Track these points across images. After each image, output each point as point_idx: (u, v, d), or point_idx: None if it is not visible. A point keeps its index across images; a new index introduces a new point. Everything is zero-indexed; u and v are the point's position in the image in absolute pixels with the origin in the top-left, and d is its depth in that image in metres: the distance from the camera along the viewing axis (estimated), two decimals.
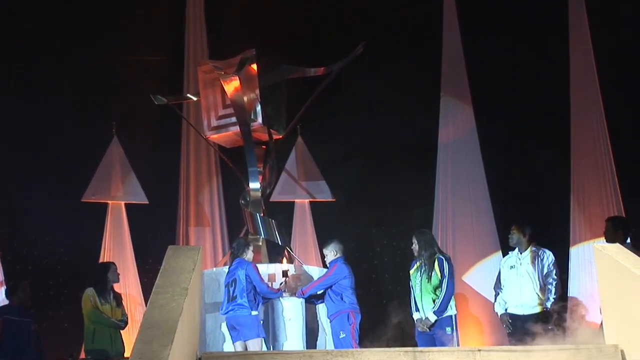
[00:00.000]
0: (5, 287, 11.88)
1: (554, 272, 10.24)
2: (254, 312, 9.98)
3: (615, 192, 12.96)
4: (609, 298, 8.19)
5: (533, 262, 10.22)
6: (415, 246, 10.34)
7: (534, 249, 10.32)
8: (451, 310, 10.15)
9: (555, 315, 9.93)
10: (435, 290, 10.08)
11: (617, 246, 8.57)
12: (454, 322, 10.19)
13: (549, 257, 10.29)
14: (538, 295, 10.19)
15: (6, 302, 11.25)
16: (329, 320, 10.48)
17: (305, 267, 11.39)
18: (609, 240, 10.24)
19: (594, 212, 12.93)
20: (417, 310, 10.23)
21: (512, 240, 10.43)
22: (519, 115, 13.60)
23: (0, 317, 10.88)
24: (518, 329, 10.11)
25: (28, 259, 12.38)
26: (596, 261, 8.49)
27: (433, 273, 10.09)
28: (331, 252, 10.60)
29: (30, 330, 10.86)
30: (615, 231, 10.33)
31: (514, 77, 13.48)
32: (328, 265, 10.67)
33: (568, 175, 13.30)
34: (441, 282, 10.05)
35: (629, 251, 8.55)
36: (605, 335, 8.18)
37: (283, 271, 10.67)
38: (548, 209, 13.36)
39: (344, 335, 10.18)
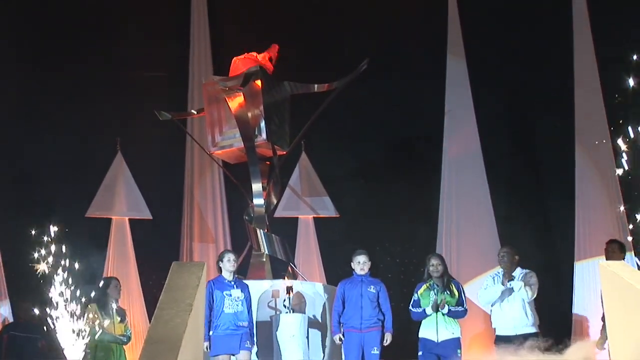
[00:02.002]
0: (9, 303, 11.90)
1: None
2: None
3: (619, 211, 12.99)
4: (615, 315, 8.18)
5: (524, 284, 10.22)
6: (439, 267, 10.26)
7: (524, 270, 10.33)
8: (458, 333, 10.15)
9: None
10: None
11: (622, 263, 8.59)
12: (460, 344, 10.21)
13: (535, 278, 10.33)
14: (532, 315, 10.19)
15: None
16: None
17: (308, 283, 11.39)
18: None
19: (598, 229, 12.92)
20: (429, 328, 10.14)
21: (504, 261, 10.41)
22: (522, 133, 13.59)
23: (5, 334, 10.91)
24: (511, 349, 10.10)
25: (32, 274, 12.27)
26: (601, 278, 8.49)
27: (449, 293, 10.08)
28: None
29: (36, 346, 10.83)
30: (620, 253, 10.41)
31: (518, 94, 13.49)
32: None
33: (573, 192, 13.31)
34: (459, 301, 10.07)
35: (634, 269, 8.57)
36: (610, 352, 8.19)
37: (287, 287, 10.61)
38: (553, 225, 13.31)
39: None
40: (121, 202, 13.30)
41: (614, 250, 10.60)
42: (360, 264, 10.27)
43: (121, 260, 13.08)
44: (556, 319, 10.92)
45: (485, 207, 13.59)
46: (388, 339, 10.12)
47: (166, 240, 13.43)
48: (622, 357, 7.82)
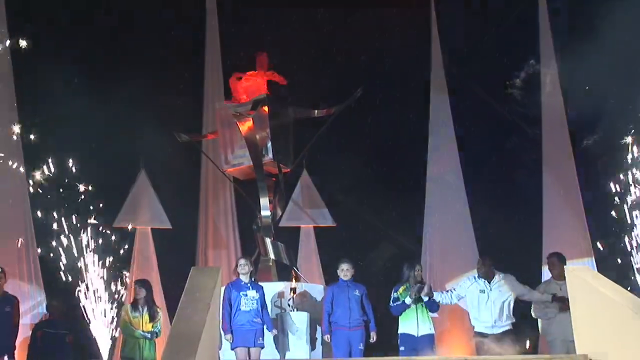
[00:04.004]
0: (45, 303, 11.87)
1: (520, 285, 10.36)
2: None
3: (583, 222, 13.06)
4: (580, 313, 8.21)
5: (502, 286, 10.24)
6: (420, 272, 10.34)
7: (501, 274, 10.34)
8: (434, 330, 10.27)
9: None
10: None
11: (586, 268, 8.64)
12: (435, 341, 10.33)
13: (512, 278, 10.37)
14: (509, 315, 10.20)
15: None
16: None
17: (310, 284, 11.40)
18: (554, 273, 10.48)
19: (561, 238, 12.96)
20: (409, 324, 10.17)
21: (482, 270, 10.43)
22: (498, 159, 13.60)
23: (39, 330, 10.92)
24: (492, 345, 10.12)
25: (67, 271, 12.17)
26: (568, 281, 8.55)
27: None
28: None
29: (64, 341, 10.85)
30: (560, 264, 10.47)
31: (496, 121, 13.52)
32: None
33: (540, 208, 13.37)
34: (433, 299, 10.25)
35: (597, 273, 8.61)
36: (576, 345, 8.22)
37: (291, 288, 10.76)
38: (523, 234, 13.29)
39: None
40: (144, 214, 13.26)
41: (554, 263, 10.63)
42: (344, 270, 10.37)
43: (145, 265, 13.05)
44: (527, 315, 10.91)
45: (464, 220, 13.59)
46: (374, 336, 10.22)
47: (184, 247, 13.42)
48: (586, 349, 7.86)
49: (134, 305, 10.59)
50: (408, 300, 10.08)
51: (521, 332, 10.39)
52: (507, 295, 10.22)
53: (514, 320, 10.29)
